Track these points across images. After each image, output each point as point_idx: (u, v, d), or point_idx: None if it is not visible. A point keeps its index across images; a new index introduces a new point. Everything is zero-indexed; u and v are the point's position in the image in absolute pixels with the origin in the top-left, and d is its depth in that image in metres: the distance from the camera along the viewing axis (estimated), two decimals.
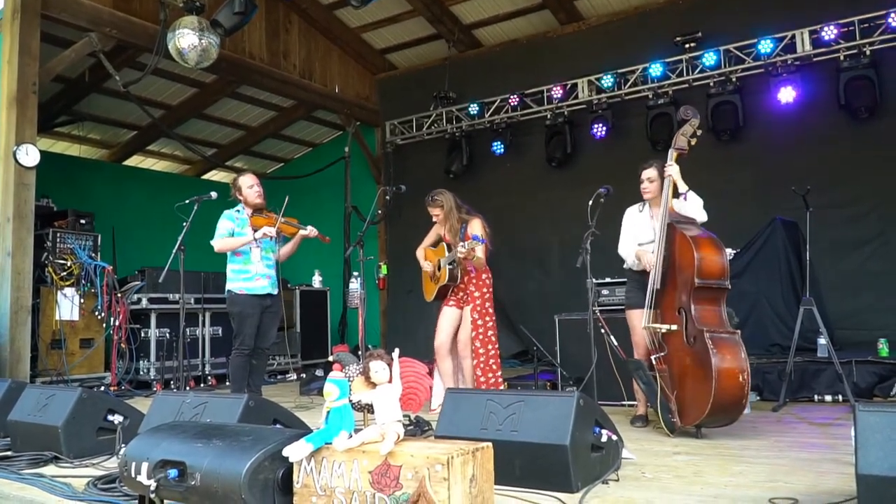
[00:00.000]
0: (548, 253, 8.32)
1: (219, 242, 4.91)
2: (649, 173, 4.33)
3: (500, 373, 5.07)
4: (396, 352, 2.87)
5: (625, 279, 4.54)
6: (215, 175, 11.38)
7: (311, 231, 5.03)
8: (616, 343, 4.35)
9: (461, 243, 4.84)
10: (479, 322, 5.08)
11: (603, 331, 4.28)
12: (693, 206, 4.15)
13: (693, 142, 4.27)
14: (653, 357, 4.05)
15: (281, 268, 5.17)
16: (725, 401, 3.73)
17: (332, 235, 9.42)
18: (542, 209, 8.38)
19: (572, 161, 8.14)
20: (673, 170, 4.17)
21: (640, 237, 4.35)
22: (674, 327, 3.96)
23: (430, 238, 5.42)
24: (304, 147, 11.21)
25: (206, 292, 7.60)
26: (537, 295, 8.22)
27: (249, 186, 5.03)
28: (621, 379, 4.59)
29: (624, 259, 4.45)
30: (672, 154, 4.21)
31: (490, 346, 5.06)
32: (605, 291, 5.55)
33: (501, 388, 5.10)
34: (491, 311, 5.13)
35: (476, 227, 5.09)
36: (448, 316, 5.18)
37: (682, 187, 4.15)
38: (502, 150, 8.48)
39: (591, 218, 4.17)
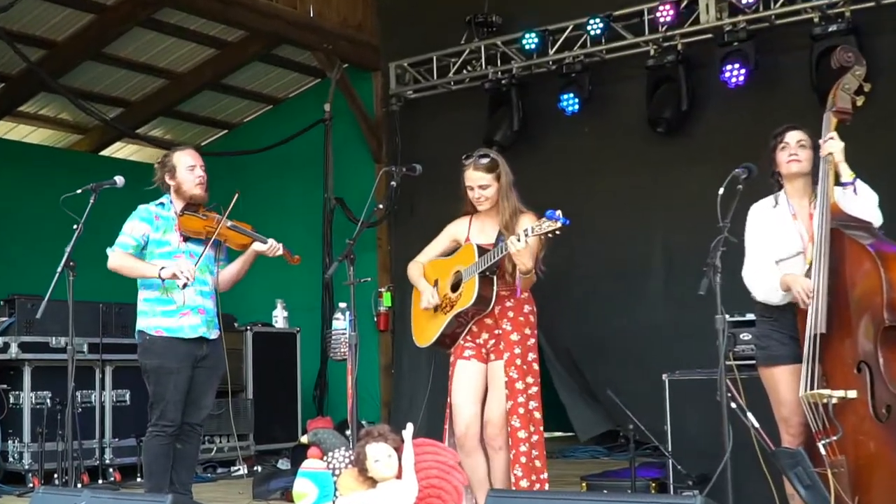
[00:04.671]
0: (647, 270, 8.26)
1: (115, 257, 4.96)
2: (798, 135, 4.37)
3: (545, 473, 4.99)
4: (409, 429, 2.89)
5: (764, 316, 4.54)
6: (121, 149, 11.49)
7: (271, 247, 5.06)
8: (757, 424, 4.32)
9: (527, 227, 4.58)
10: (520, 386, 4.89)
11: (734, 405, 4.24)
12: (866, 203, 4.17)
13: (860, 101, 4.29)
14: (820, 444, 4.04)
15: (221, 299, 5.22)
16: None
17: (306, 245, 9.55)
18: (639, 201, 8.33)
19: (690, 124, 8.09)
20: (835, 146, 4.18)
21: (779, 250, 4.37)
22: (852, 394, 3.93)
23: (438, 245, 5.29)
24: (259, 104, 11.30)
25: (107, 334, 7.64)
26: (630, 339, 8.15)
27: (189, 167, 5.08)
28: (772, 477, 4.56)
29: (752, 287, 4.45)
30: (830, 120, 4.24)
31: (534, 428, 4.92)
32: (745, 335, 5.50)
33: None
34: (537, 367, 5.02)
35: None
36: (469, 376, 5.01)
37: (848, 174, 4.16)
38: (576, 106, 8.45)
39: (724, 216, 4.14)
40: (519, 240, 4.57)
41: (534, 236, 4.57)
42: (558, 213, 4.45)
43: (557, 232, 4.48)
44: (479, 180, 4.98)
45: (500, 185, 4.94)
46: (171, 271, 4.83)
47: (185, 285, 4.84)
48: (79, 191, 5.02)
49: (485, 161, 4.97)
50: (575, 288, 8.22)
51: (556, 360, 8.31)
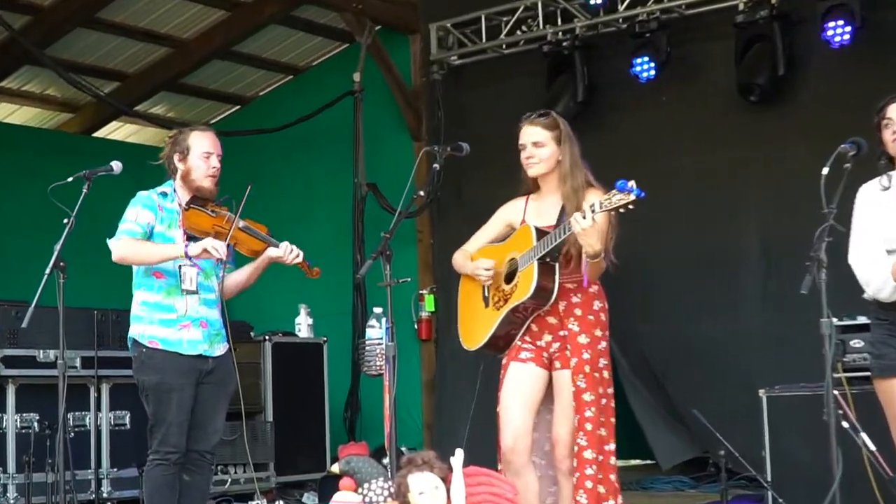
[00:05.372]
0: (740, 265, 8.21)
1: (123, 244, 4.97)
2: None
3: (611, 502, 4.95)
4: (459, 456, 2.89)
5: (879, 318, 4.53)
6: (118, 129, 11.61)
7: (287, 253, 5.08)
8: (873, 446, 4.29)
9: (594, 202, 4.55)
10: (588, 398, 4.89)
11: (845, 425, 4.21)
12: None
13: None
14: None
15: (233, 304, 5.27)
16: None
17: (334, 240, 9.58)
18: (730, 183, 8.30)
19: (787, 91, 8.03)
20: None
21: (891, 239, 4.38)
22: None
23: (490, 230, 5.35)
24: (277, 74, 11.37)
25: (103, 346, 7.68)
26: (720, 347, 8.11)
27: (204, 155, 5.09)
28: None
29: (865, 282, 4.45)
30: None
31: (602, 448, 4.91)
32: (856, 342, 5.45)
33: None
34: (608, 375, 5.01)
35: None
36: (522, 380, 5.02)
37: None
38: (652, 72, 8.41)
39: (829, 200, 4.14)
40: (584, 217, 4.53)
41: (602, 212, 4.54)
42: (631, 183, 4.43)
43: (630, 206, 4.47)
44: (533, 136, 5.00)
45: (559, 151, 4.94)
46: (202, 246, 4.85)
47: (219, 260, 4.91)
48: (69, 179, 5.03)
49: (543, 117, 5.01)
50: (653, 286, 8.22)
51: (632, 371, 8.25)
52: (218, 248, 4.84)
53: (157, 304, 5.00)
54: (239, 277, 5.24)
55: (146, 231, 4.99)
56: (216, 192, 5.15)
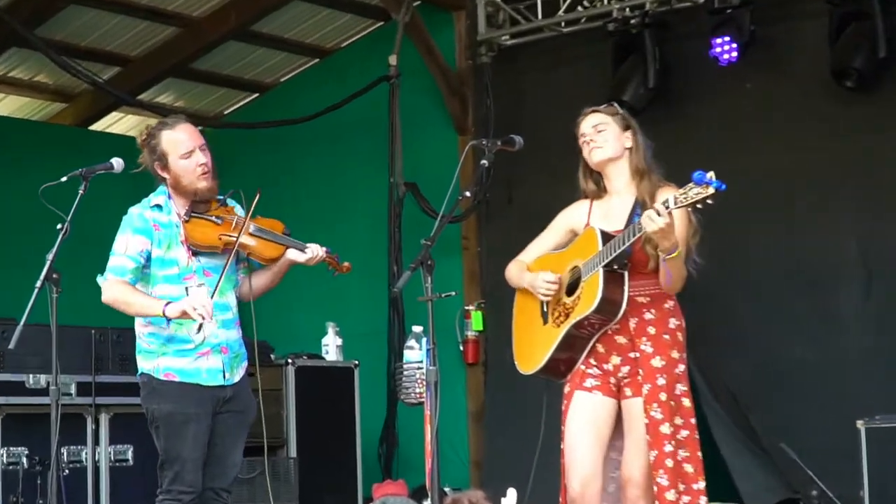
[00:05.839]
0: (833, 275, 8.19)
1: (108, 289, 4.96)
2: None
3: None
4: (511, 497, 2.91)
5: None
6: (119, 121, 11.70)
7: (313, 253, 5.08)
8: None
9: (668, 198, 4.55)
10: (666, 430, 4.90)
11: None
12: None
13: None
14: None
15: (244, 325, 5.28)
16: None
17: (366, 248, 9.60)
18: (824, 182, 8.28)
19: (889, 76, 8.01)
20: None
21: None
22: None
23: (550, 238, 5.39)
24: (301, 58, 11.42)
25: (102, 370, 7.74)
26: (813, 372, 8.09)
27: (185, 154, 5.02)
28: None
29: None
30: None
31: (685, 487, 4.91)
32: None
33: None
34: (688, 403, 5.02)
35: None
36: (590, 414, 5.04)
37: None
38: (734, 53, 8.41)
39: None
40: (659, 214, 4.53)
41: (678, 208, 4.54)
42: (710, 175, 4.45)
43: (710, 201, 4.47)
44: (592, 121, 5.09)
45: (626, 136, 5.01)
46: (181, 308, 4.75)
47: (200, 327, 4.81)
48: (63, 178, 5.01)
49: (604, 106, 5.13)
50: (736, 302, 8.22)
51: (716, 398, 8.22)
52: (197, 307, 4.72)
53: (168, 336, 4.98)
54: (260, 282, 5.23)
55: (139, 262, 4.95)
56: (216, 188, 5.11)
